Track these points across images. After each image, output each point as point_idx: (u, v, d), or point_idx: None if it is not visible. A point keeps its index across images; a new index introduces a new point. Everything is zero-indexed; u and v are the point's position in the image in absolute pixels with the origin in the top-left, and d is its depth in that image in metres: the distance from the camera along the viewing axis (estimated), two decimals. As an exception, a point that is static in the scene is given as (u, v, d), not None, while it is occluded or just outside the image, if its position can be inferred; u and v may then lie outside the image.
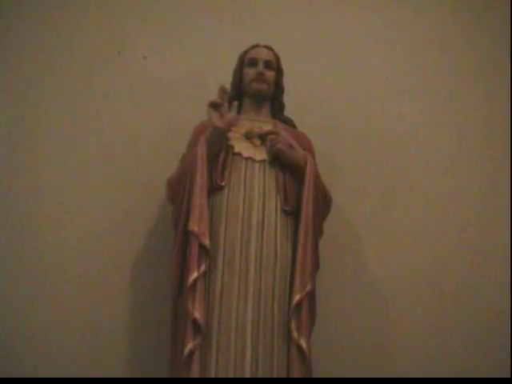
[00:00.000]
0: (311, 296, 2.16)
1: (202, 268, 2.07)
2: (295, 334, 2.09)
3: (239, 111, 2.28)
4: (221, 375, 2.03)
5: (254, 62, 2.31)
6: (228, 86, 2.22)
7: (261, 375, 2.04)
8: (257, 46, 2.35)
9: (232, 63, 2.37)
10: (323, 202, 2.27)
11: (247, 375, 2.03)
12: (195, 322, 2.03)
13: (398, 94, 2.76)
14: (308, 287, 2.11)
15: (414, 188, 2.70)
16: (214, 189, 2.16)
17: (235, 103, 2.18)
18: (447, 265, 2.63)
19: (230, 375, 2.03)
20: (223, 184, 2.16)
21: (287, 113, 2.41)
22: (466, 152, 2.75)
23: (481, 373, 2.50)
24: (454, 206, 2.69)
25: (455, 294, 2.61)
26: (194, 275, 2.05)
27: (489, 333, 2.58)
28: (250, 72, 2.31)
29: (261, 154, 2.21)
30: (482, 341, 2.57)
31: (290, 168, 2.21)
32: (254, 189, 2.16)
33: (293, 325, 2.09)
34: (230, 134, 2.22)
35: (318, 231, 2.25)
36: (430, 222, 2.67)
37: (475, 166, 2.74)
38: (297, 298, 2.10)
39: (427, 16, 2.83)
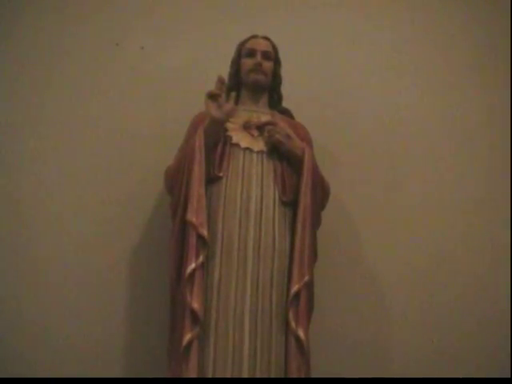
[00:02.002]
0: (309, 286, 2.16)
1: (200, 258, 2.07)
2: (293, 325, 2.10)
3: (237, 102, 2.28)
4: (219, 366, 2.04)
5: (251, 53, 2.30)
6: (226, 77, 2.22)
7: (259, 366, 2.05)
8: (255, 36, 2.34)
9: (230, 54, 2.37)
10: (321, 193, 2.27)
11: (245, 366, 2.04)
12: (193, 313, 2.04)
13: (397, 85, 2.75)
14: (306, 277, 2.12)
15: (414, 179, 2.69)
16: (211, 179, 2.16)
17: (233, 94, 2.17)
18: (446, 261, 2.63)
19: (228, 366, 2.04)
20: (221, 175, 2.16)
21: (285, 104, 2.40)
22: (467, 145, 2.74)
23: (481, 373, 2.50)
24: (454, 202, 2.68)
25: (455, 293, 2.61)
26: (192, 266, 2.06)
27: (489, 333, 2.58)
28: (247, 62, 2.30)
29: (259, 145, 2.21)
30: (482, 341, 2.57)
31: (287, 158, 2.22)
32: (251, 179, 2.17)
33: (291, 315, 2.10)
34: (228, 125, 2.21)
35: (315, 221, 2.25)
36: (429, 214, 2.67)
37: (477, 161, 2.73)
38: (295, 288, 2.11)
39: (428, 6, 2.83)
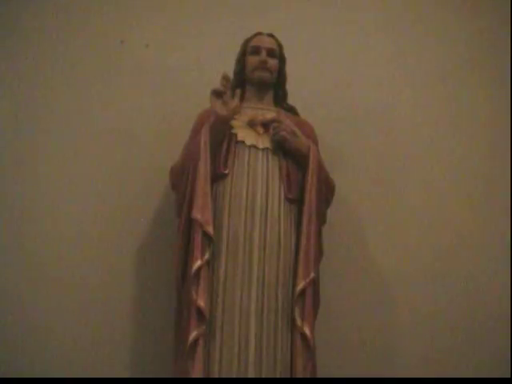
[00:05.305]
0: (315, 284, 2.16)
1: (206, 256, 2.08)
2: (299, 322, 2.10)
3: (242, 99, 2.27)
4: (225, 364, 2.05)
5: (256, 50, 2.30)
6: (231, 74, 2.22)
7: (265, 363, 2.06)
8: (259, 34, 2.34)
9: (235, 51, 2.36)
10: (326, 190, 2.27)
11: (251, 363, 2.04)
12: (199, 310, 2.04)
13: (401, 83, 2.74)
14: (312, 275, 2.12)
15: (418, 177, 2.69)
16: (217, 177, 2.17)
17: (238, 91, 2.17)
18: (451, 260, 2.62)
19: (234, 363, 2.04)
20: (226, 172, 2.17)
21: (290, 101, 2.40)
22: (469, 143, 2.73)
23: (481, 373, 2.50)
24: (455, 200, 2.68)
25: (455, 293, 2.60)
26: (198, 263, 2.06)
27: (489, 333, 2.57)
28: (252, 60, 2.30)
29: (264, 142, 2.21)
30: (482, 341, 2.57)
31: (293, 156, 2.21)
32: (257, 177, 2.17)
33: (296, 312, 2.11)
34: (233, 122, 2.22)
35: (321, 219, 2.25)
36: (434, 212, 2.66)
37: (479, 159, 2.72)
38: (300, 285, 2.11)
39: (428, 4, 2.82)
